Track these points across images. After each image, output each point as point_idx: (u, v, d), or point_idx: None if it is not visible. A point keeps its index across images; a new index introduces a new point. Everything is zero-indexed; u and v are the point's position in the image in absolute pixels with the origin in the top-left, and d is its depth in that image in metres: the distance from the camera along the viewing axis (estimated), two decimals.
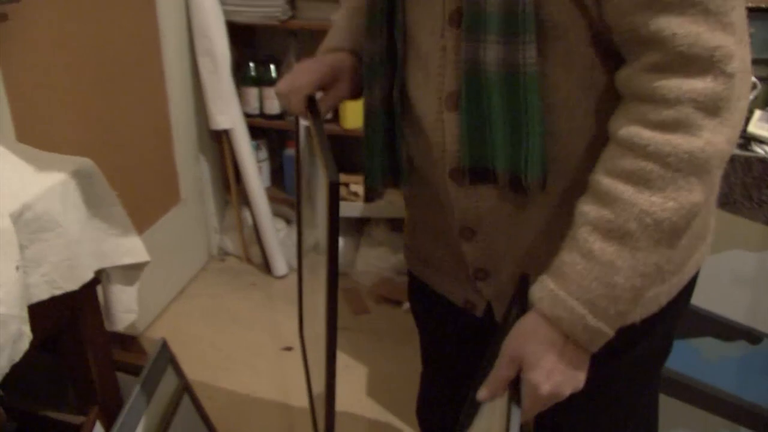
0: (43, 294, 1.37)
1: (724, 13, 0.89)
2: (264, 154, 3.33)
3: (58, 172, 1.41)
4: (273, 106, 3.16)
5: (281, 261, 3.30)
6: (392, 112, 1.18)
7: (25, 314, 1.25)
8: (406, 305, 3.02)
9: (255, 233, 3.31)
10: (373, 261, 3.20)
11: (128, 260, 1.59)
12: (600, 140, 1.01)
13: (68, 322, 1.58)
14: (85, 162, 1.49)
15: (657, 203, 0.92)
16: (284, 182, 3.33)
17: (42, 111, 2.30)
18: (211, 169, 3.34)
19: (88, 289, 1.56)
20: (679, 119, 0.91)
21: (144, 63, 2.83)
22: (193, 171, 3.21)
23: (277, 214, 3.35)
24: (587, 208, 0.97)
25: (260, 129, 3.26)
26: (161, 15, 2.87)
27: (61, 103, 2.37)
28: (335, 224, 1.03)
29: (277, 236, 3.28)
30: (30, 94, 2.24)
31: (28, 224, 1.29)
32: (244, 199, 3.29)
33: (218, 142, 3.26)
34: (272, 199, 3.30)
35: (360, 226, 3.35)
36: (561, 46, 0.99)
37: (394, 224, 3.25)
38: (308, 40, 3.15)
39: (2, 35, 2.12)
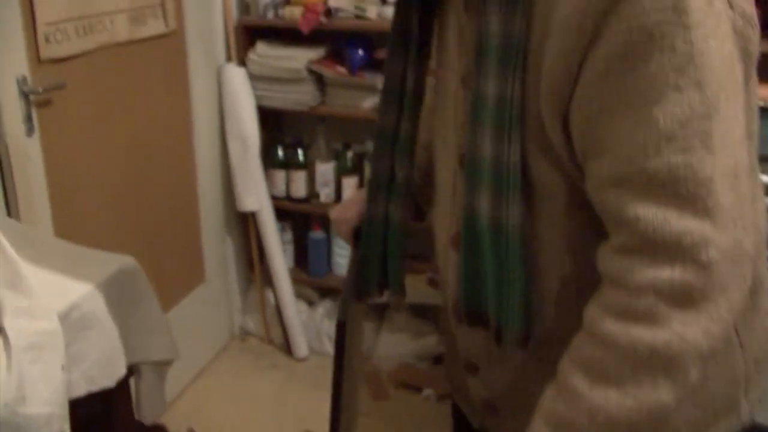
0: (80, 390, 1.39)
1: (697, 196, 0.82)
2: (289, 236, 3.37)
3: (103, 271, 1.45)
4: (299, 189, 3.21)
5: (302, 343, 3.30)
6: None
7: (66, 412, 1.27)
8: (426, 392, 3.01)
9: (277, 314, 3.33)
10: (394, 346, 3.21)
11: (161, 356, 1.61)
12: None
13: (101, 414, 1.60)
14: (128, 261, 1.53)
15: (612, 399, 0.84)
16: (308, 264, 3.36)
17: (78, 192, 2.35)
18: (236, 250, 3.37)
19: (122, 382, 1.58)
20: (640, 309, 0.84)
21: (176, 144, 2.90)
22: (218, 251, 3.25)
23: (299, 295, 3.37)
24: (548, 394, 0.92)
25: (286, 211, 3.30)
26: (194, 98, 2.95)
27: (96, 183, 2.43)
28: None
29: (299, 318, 3.30)
30: (67, 175, 2.29)
31: (74, 323, 1.32)
32: (268, 280, 3.31)
33: (244, 223, 3.31)
34: (295, 280, 3.32)
35: (381, 310, 3.36)
36: (550, 206, 0.98)
37: (416, 310, 3.26)
38: (336, 126, 3.21)
39: (45, 120, 2.19)
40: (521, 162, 0.96)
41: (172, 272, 2.94)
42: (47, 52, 2.17)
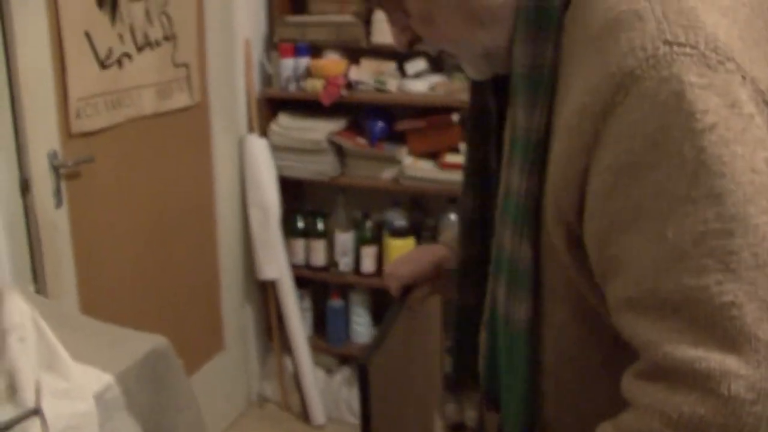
0: None
1: (716, 323, 0.73)
2: (308, 303, 3.39)
3: (137, 351, 1.47)
4: (319, 258, 3.24)
5: (320, 410, 3.29)
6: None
7: None
8: None
9: (295, 381, 3.33)
10: None
11: None
12: (591, 417, 0.88)
13: None
14: (160, 341, 1.55)
15: None
16: (326, 332, 3.37)
17: (103, 262, 2.39)
18: (255, 317, 3.39)
19: None
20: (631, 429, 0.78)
21: (198, 214, 2.94)
22: (237, 319, 3.27)
23: (317, 363, 3.37)
24: None
25: (305, 279, 3.33)
26: (217, 168, 3.01)
27: (120, 253, 2.47)
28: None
29: (318, 385, 3.30)
30: (93, 246, 2.34)
31: (108, 403, 1.34)
32: (286, 347, 3.32)
33: (264, 290, 3.33)
34: (314, 348, 3.33)
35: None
36: (558, 311, 0.94)
37: None
38: (356, 196, 3.25)
39: (74, 192, 2.24)
40: (533, 261, 0.92)
41: (192, 340, 2.96)
42: (78, 126, 2.23)
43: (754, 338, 0.71)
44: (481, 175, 1.14)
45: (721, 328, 0.72)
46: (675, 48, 0.76)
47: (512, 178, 0.94)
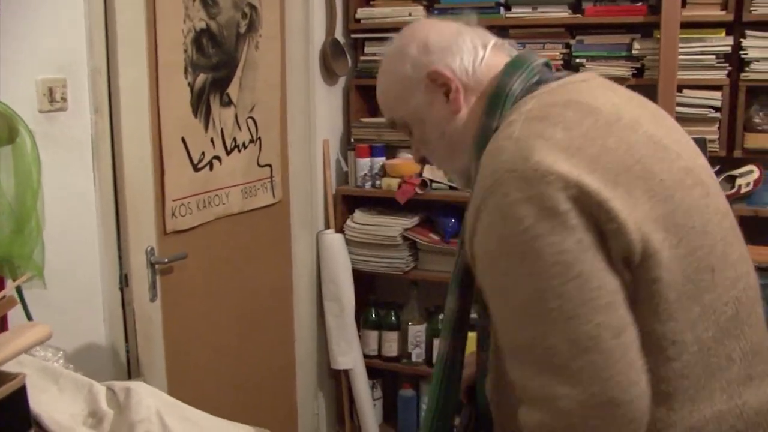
0: None
1: (546, 360, 1.08)
2: (379, 392, 3.47)
3: None
4: (391, 349, 3.33)
5: None
6: None
7: None
8: None
9: None
10: None
11: None
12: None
13: None
14: None
15: None
16: (397, 421, 3.44)
17: (189, 351, 2.52)
18: (328, 405, 3.47)
19: None
20: None
21: (277, 305, 3.08)
22: (311, 407, 3.36)
23: None
24: None
25: (378, 369, 3.42)
26: (295, 262, 3.15)
27: (205, 343, 2.61)
28: None
29: None
30: (182, 337, 2.47)
31: None
32: None
33: (337, 379, 3.43)
34: None
35: None
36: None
37: None
38: (428, 289, 3.36)
39: (167, 286, 2.39)
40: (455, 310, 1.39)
41: (268, 427, 3.05)
42: (172, 225, 2.40)
43: (572, 368, 1.06)
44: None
45: (550, 364, 1.08)
46: (508, 174, 1.11)
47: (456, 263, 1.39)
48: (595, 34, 3.09)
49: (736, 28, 2.90)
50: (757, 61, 2.84)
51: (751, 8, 2.85)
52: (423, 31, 1.39)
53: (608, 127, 1.17)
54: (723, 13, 2.87)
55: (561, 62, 3.10)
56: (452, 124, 1.34)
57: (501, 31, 3.13)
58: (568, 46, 3.11)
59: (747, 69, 2.86)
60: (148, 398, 1.41)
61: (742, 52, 2.86)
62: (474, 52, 1.35)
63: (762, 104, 2.91)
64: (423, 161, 1.47)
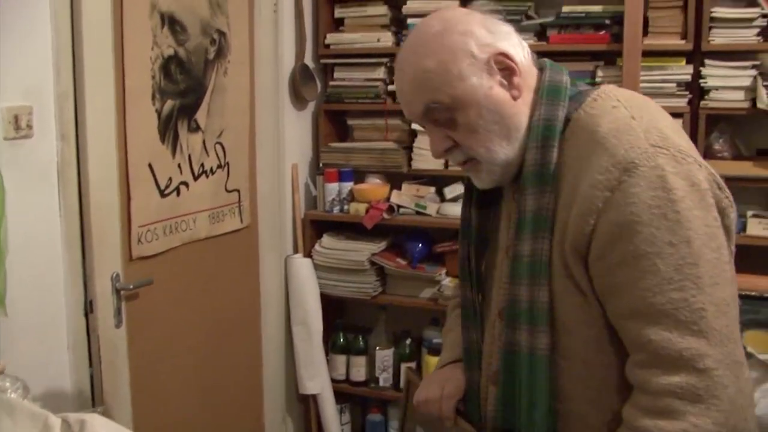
0: None
1: (692, 322, 1.15)
2: (347, 417, 3.47)
3: None
4: (359, 373, 3.34)
5: None
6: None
7: None
8: None
9: None
10: None
11: None
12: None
13: None
14: None
15: None
16: None
17: (156, 377, 2.51)
18: (295, 429, 3.46)
19: None
20: (662, 407, 1.16)
21: (245, 330, 3.07)
22: (279, 431, 3.35)
23: None
24: None
25: (346, 394, 3.42)
26: (263, 287, 3.15)
27: (172, 369, 2.59)
28: None
29: None
30: (147, 363, 2.46)
31: None
32: None
33: (305, 404, 3.42)
34: None
35: None
36: (569, 340, 1.29)
37: None
38: (397, 314, 3.37)
39: (132, 312, 2.39)
40: (549, 302, 1.28)
41: None
42: (138, 251, 2.40)
43: (714, 329, 1.15)
44: (468, 271, 1.51)
45: (695, 324, 1.15)
46: (656, 149, 1.21)
47: (521, 247, 1.32)
48: (560, 61, 3.11)
49: (696, 56, 2.96)
50: (716, 89, 2.90)
51: (709, 38, 2.92)
52: (473, 14, 1.36)
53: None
54: (683, 42, 2.93)
55: None
56: (512, 109, 1.33)
57: None
58: None
59: (706, 97, 2.92)
60: (102, 430, 1.40)
61: (701, 80, 2.92)
62: (521, 44, 1.38)
63: (721, 131, 2.98)
64: (448, 151, 1.37)
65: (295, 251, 3.30)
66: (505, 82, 1.32)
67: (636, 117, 1.27)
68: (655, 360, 1.17)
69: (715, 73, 2.95)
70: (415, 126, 3.27)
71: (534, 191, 1.30)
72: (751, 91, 2.92)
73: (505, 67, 1.32)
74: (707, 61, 2.96)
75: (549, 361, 1.29)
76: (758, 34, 2.92)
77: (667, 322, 1.16)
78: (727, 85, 2.91)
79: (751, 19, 2.91)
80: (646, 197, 1.18)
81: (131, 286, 2.33)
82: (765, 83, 2.90)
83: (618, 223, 1.19)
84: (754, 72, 2.93)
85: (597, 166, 1.22)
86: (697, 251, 1.17)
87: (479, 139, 1.32)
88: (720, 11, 2.92)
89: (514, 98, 1.33)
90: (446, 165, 3.21)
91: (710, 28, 2.93)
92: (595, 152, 1.24)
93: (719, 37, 2.93)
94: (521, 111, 1.34)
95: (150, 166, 2.44)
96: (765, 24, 2.90)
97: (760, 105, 2.83)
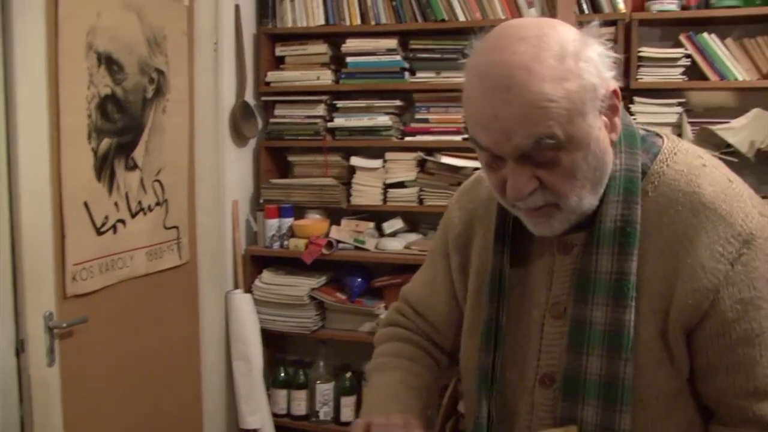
0: None
1: None
2: None
3: None
4: (300, 408, 3.35)
5: None
6: None
7: None
8: None
9: None
10: None
11: None
12: None
13: None
14: None
15: None
16: None
17: (91, 418, 2.50)
18: None
19: None
20: None
21: (185, 367, 3.07)
22: None
23: None
24: None
25: (287, 428, 3.42)
26: (203, 323, 3.16)
27: (108, 408, 2.58)
28: None
29: None
30: (82, 402, 2.45)
31: None
32: None
33: None
34: None
35: None
36: (644, 416, 1.18)
37: None
38: (336, 348, 3.40)
39: (66, 351, 2.38)
40: (632, 378, 1.15)
41: None
42: (73, 289, 2.40)
43: None
44: (495, 330, 1.29)
45: None
46: (764, 219, 1.17)
47: (590, 313, 1.18)
48: None
49: (625, 94, 3.06)
50: (646, 124, 3.00)
51: (638, 76, 3.03)
52: (589, 38, 1.13)
53: None
54: None
55: (463, 125, 3.21)
56: (609, 156, 1.17)
57: (405, 94, 3.26)
58: None
59: None
60: None
61: (632, 116, 3.02)
62: None
63: None
64: (533, 192, 1.13)
65: (236, 287, 3.31)
66: (608, 123, 1.15)
67: (731, 179, 1.21)
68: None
69: (643, 110, 3.07)
70: (354, 162, 3.33)
71: (612, 252, 1.17)
72: (678, 128, 3.04)
73: (613, 106, 1.15)
74: (636, 99, 3.07)
75: None
76: (683, 73, 3.04)
77: None
78: (655, 121, 3.02)
79: (677, 59, 3.03)
80: (764, 271, 1.14)
81: (65, 325, 2.33)
82: (689, 120, 3.02)
83: (742, 299, 1.13)
84: (680, 109, 3.05)
85: (714, 236, 1.14)
86: None
87: (575, 185, 1.13)
88: (647, 51, 3.04)
89: (612, 142, 1.17)
90: (384, 200, 3.27)
91: (638, 66, 3.04)
92: (709, 219, 1.15)
93: (647, 76, 3.05)
94: (611, 161, 1.18)
95: (86, 204, 2.44)
96: (689, 63, 3.03)
97: (685, 140, 2.93)
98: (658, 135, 1.28)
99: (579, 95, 1.07)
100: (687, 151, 1.24)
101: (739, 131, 2.96)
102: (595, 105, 1.11)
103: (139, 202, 2.71)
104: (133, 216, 2.68)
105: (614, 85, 1.14)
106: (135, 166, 2.68)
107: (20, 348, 2.21)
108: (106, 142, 2.52)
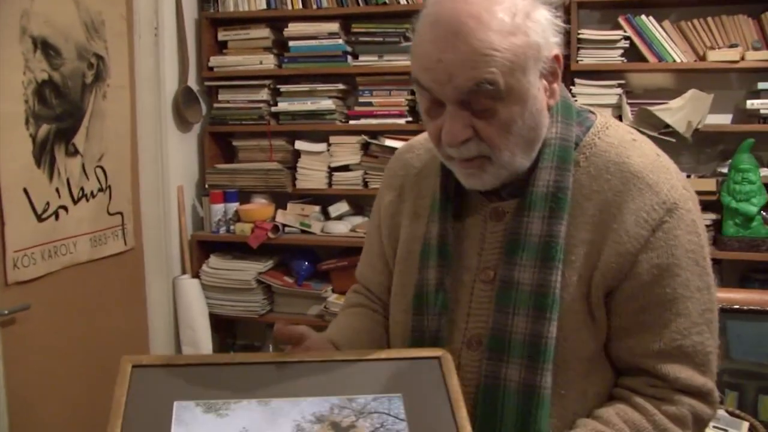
0: None
1: (703, 363, 1.22)
2: None
3: None
4: None
5: None
6: None
7: None
8: None
9: None
10: None
11: None
12: None
13: None
14: None
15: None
16: None
17: (37, 406, 2.49)
18: None
19: None
20: (679, 415, 1.20)
21: (131, 353, 3.05)
22: None
23: None
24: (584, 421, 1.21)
25: None
26: (151, 309, 3.15)
27: (54, 396, 2.57)
28: None
29: None
30: (27, 390, 2.44)
31: None
32: None
33: None
34: None
35: None
36: (565, 375, 1.21)
37: None
38: None
39: (8, 339, 2.36)
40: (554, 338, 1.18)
41: None
42: (14, 276, 2.38)
43: (714, 371, 1.24)
44: (426, 292, 1.29)
45: (707, 365, 1.22)
46: (687, 192, 1.23)
47: (518, 275, 1.21)
48: None
49: (566, 76, 3.12)
50: (587, 105, 3.06)
51: (578, 58, 3.09)
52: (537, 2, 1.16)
53: None
54: None
55: (406, 108, 3.24)
56: (545, 119, 1.20)
57: (348, 78, 3.28)
58: (413, 92, 3.26)
59: None
60: None
61: (573, 98, 3.08)
62: None
63: None
64: (466, 141, 1.15)
65: (183, 272, 3.31)
66: (548, 88, 1.19)
67: (659, 154, 1.26)
68: (670, 395, 1.22)
69: (584, 92, 3.12)
70: (299, 146, 3.34)
71: (543, 216, 1.20)
72: (618, 108, 3.11)
73: (554, 71, 1.18)
74: (577, 80, 3.12)
75: (548, 399, 1.18)
76: (622, 55, 3.10)
77: (687, 363, 1.21)
78: (596, 102, 3.08)
79: (616, 41, 3.09)
80: (684, 240, 1.19)
81: (6, 312, 2.31)
82: (629, 101, 3.09)
83: (659, 264, 1.18)
84: (619, 90, 3.12)
85: (640, 203, 1.19)
86: (713, 298, 1.23)
87: (508, 140, 1.15)
88: (587, 33, 3.10)
89: (549, 108, 1.21)
90: (329, 184, 3.29)
91: (578, 48, 3.10)
92: (636, 187, 1.20)
93: (587, 58, 3.10)
94: (546, 125, 1.22)
95: (25, 190, 2.42)
96: (628, 45, 3.09)
97: (625, 121, 3.00)
98: (591, 112, 1.32)
99: (523, 51, 1.10)
100: (618, 127, 1.29)
101: (676, 111, 3.03)
102: (537, 65, 1.14)
103: (81, 188, 2.70)
104: (76, 202, 2.67)
105: (557, 51, 1.17)
106: (76, 152, 2.66)
107: None
108: (44, 128, 2.50)
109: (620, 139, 1.25)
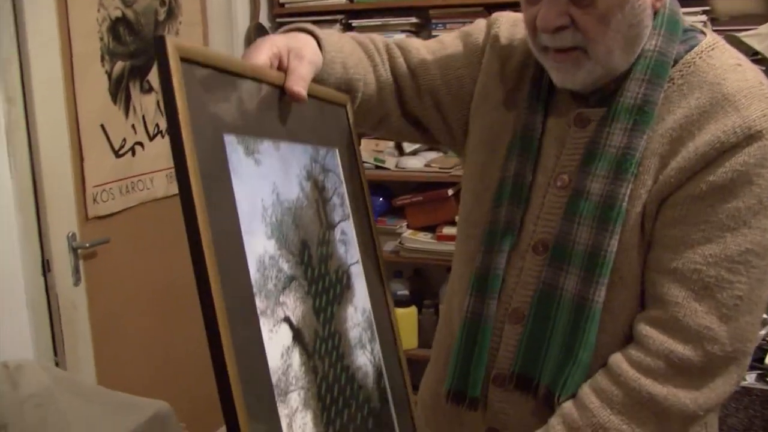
0: None
1: (725, 305, 1.09)
2: None
3: (140, 417, 1.64)
4: None
5: None
6: None
7: None
8: None
9: None
10: None
11: None
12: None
13: None
14: (162, 405, 1.72)
15: (614, 422, 1.11)
16: None
17: (118, 335, 2.58)
18: None
19: None
20: (653, 367, 1.11)
21: None
22: None
23: None
24: (567, 404, 1.16)
25: None
26: None
27: (133, 327, 2.66)
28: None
29: None
30: (108, 321, 2.53)
31: None
32: None
33: None
34: None
35: None
36: (623, 295, 1.17)
37: None
38: None
39: (91, 271, 2.44)
40: (616, 253, 1.15)
41: (199, 408, 3.11)
42: (94, 210, 2.45)
43: (738, 323, 1.10)
44: (509, 182, 1.26)
45: (727, 309, 1.09)
46: None
47: (590, 184, 1.17)
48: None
49: None
50: None
51: None
52: None
53: None
54: None
55: None
56: (648, 21, 1.15)
57: (421, 11, 3.22)
58: None
59: None
60: (41, 373, 1.47)
61: None
62: None
63: None
64: (561, 29, 1.12)
65: None
66: None
67: (763, 82, 1.15)
68: (671, 324, 1.11)
69: None
70: None
71: (626, 127, 1.15)
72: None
73: None
74: None
75: (600, 315, 1.16)
76: None
77: (703, 295, 1.10)
78: None
79: None
80: (753, 172, 1.09)
81: (87, 245, 2.39)
82: (714, 28, 2.96)
83: (713, 182, 1.10)
84: (704, 17, 2.99)
85: (722, 125, 1.11)
86: (767, 243, 1.11)
87: (606, 33, 1.11)
88: None
89: (654, 11, 1.16)
90: None
91: None
92: (723, 109, 1.12)
93: None
94: (649, 30, 1.16)
95: (102, 127, 2.48)
96: None
97: None
98: (702, 32, 1.23)
99: None
100: (725, 50, 1.19)
101: (766, 37, 2.89)
102: None
103: (157, 125, 2.74)
104: (151, 139, 2.72)
105: None
106: (150, 89, 2.70)
107: (46, 268, 2.27)
108: (119, 65, 2.54)
109: (723, 62, 1.17)
